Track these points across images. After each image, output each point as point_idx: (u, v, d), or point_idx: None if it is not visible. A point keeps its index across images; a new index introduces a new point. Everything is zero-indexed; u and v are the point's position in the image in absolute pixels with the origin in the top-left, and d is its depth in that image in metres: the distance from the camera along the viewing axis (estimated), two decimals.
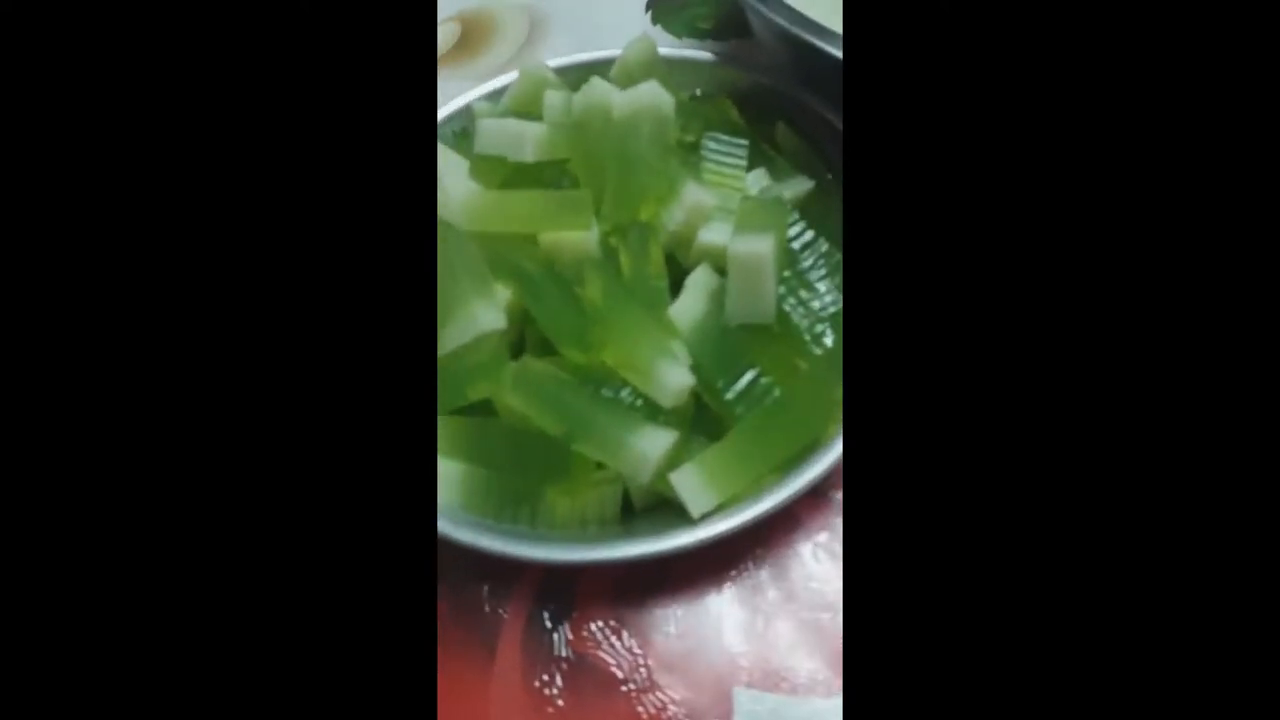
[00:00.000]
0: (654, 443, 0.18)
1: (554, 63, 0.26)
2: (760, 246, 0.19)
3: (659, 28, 0.36)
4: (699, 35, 0.35)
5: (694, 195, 0.21)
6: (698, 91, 0.25)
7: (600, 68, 0.26)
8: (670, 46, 0.34)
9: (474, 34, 0.37)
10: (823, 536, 0.22)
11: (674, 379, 0.18)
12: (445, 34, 0.37)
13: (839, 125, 0.24)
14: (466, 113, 0.26)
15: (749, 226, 0.20)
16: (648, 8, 0.37)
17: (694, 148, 0.23)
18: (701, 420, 0.20)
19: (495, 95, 0.26)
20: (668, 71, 0.25)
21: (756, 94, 0.25)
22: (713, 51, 0.27)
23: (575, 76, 0.26)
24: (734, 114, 0.25)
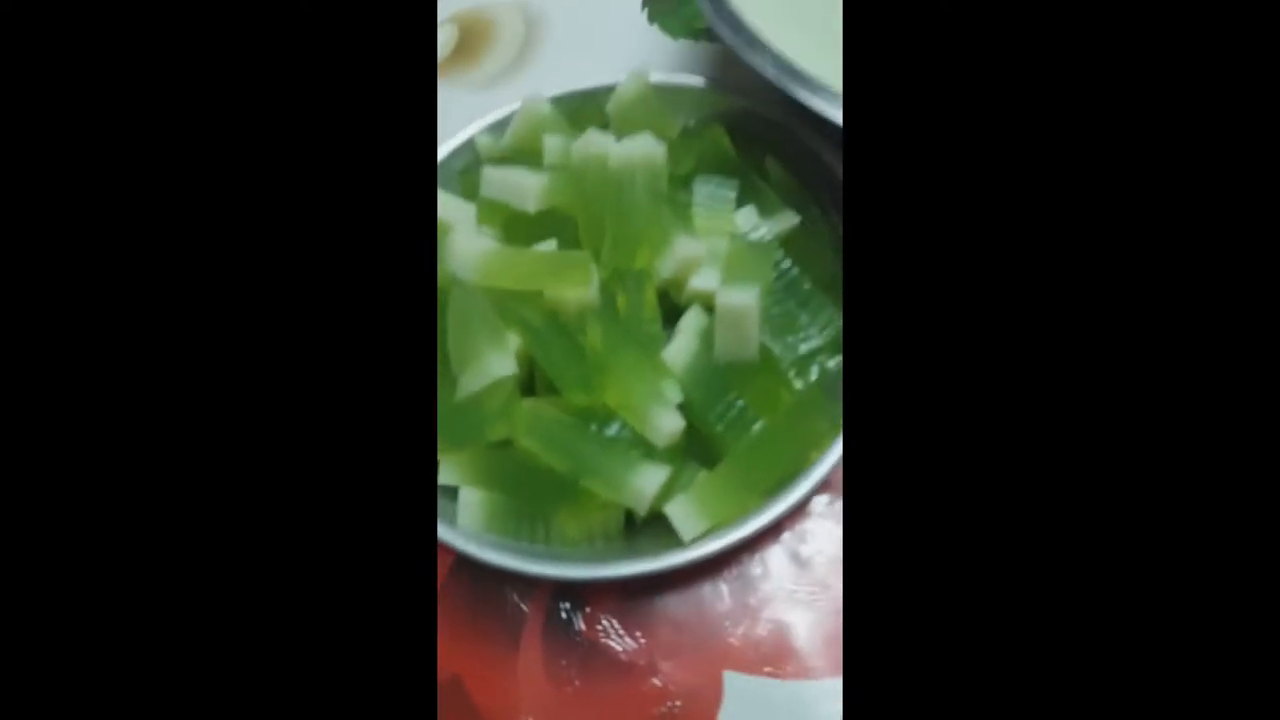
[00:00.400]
0: (650, 479, 0.21)
1: (553, 93, 0.28)
2: (744, 299, 0.21)
3: (656, 26, 0.37)
4: (694, 36, 0.36)
5: (684, 247, 0.23)
6: (691, 122, 0.27)
7: (599, 96, 0.27)
8: (666, 48, 0.35)
9: (472, 37, 0.37)
10: (809, 536, 0.25)
11: (666, 424, 0.21)
12: (443, 38, 0.37)
13: (825, 154, 0.26)
14: (470, 148, 0.27)
15: (735, 276, 0.22)
16: (644, 5, 0.38)
17: (686, 182, 0.25)
18: (696, 447, 0.23)
19: (499, 127, 0.28)
20: (661, 101, 0.26)
21: (747, 120, 0.27)
22: (705, 76, 0.28)
23: (574, 105, 0.28)
24: (726, 143, 0.26)
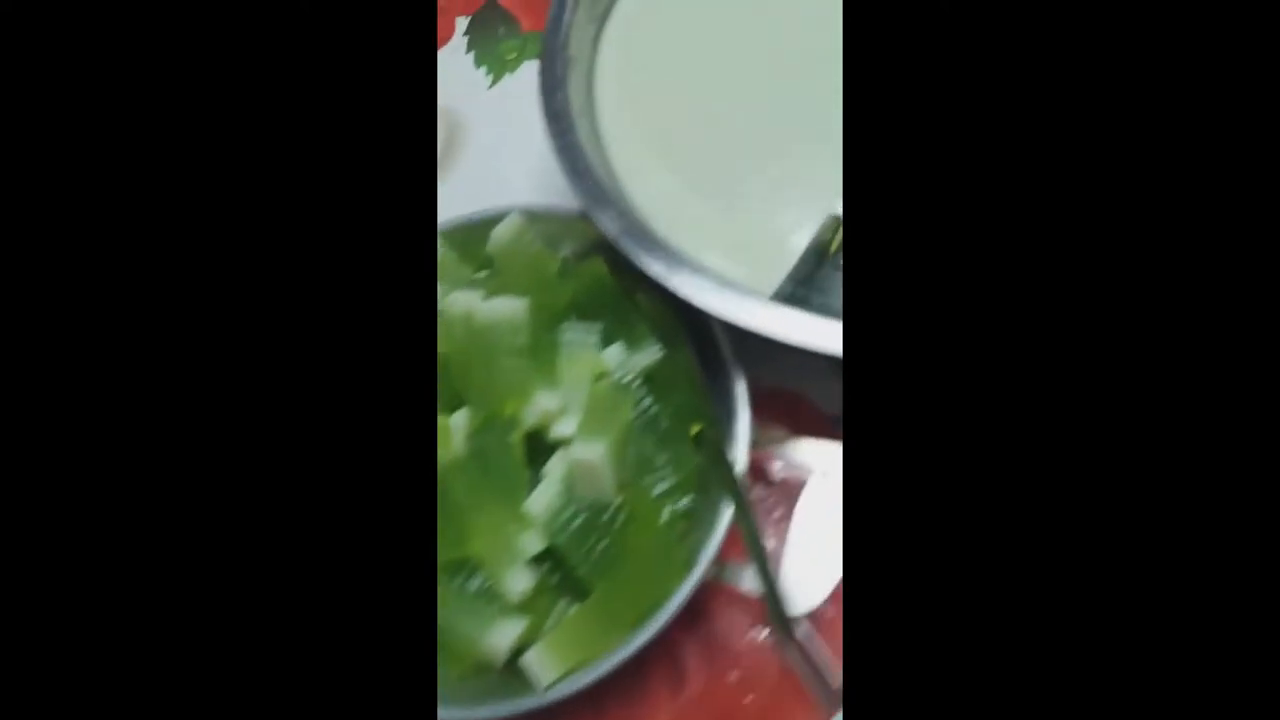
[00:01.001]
0: (503, 636, 0.22)
1: (446, 221, 0.29)
2: (594, 453, 0.23)
3: None
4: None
5: (543, 401, 0.24)
6: (570, 253, 0.28)
7: (489, 222, 0.29)
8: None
9: None
10: (688, 647, 0.27)
11: (518, 583, 0.23)
12: None
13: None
14: None
15: (590, 427, 0.23)
16: None
17: (567, 313, 0.26)
18: (568, 584, 0.24)
19: None
20: (540, 234, 0.28)
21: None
22: (580, 205, 0.29)
23: (461, 237, 0.29)
24: (605, 273, 0.27)
